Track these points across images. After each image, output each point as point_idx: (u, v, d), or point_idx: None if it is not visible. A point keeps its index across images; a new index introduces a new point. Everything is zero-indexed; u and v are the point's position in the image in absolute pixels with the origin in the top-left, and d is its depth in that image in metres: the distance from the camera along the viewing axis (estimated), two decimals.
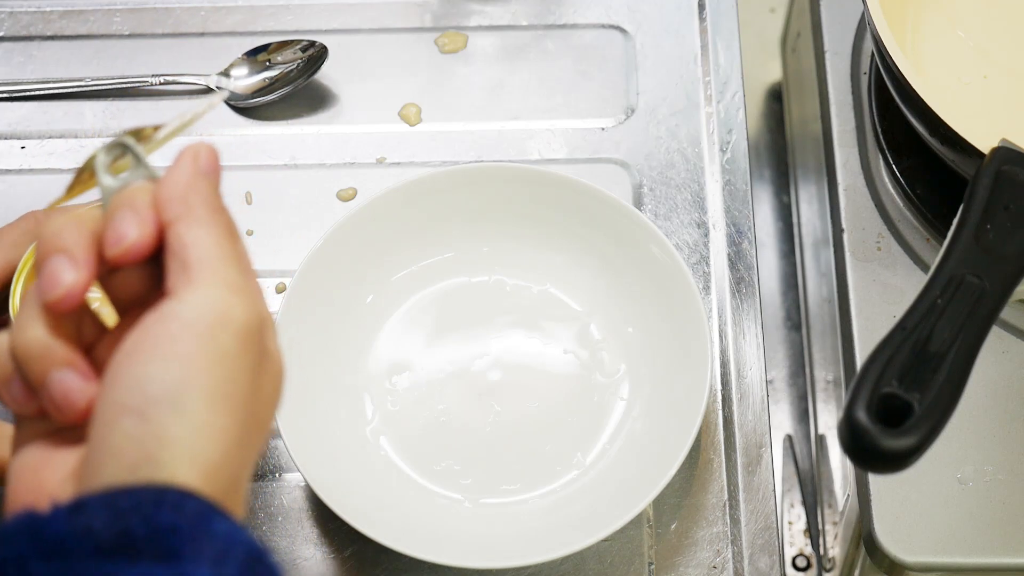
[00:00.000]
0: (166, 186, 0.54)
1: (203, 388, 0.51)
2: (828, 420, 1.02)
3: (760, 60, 1.24)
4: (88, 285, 0.53)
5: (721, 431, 0.85)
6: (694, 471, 0.84)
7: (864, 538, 0.80)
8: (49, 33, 1.00)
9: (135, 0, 1.01)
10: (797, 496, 1.09)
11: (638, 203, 0.93)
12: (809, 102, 1.01)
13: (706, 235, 0.92)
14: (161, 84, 0.97)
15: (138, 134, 0.57)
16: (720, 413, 0.85)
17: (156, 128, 0.58)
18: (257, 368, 0.53)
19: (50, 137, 0.96)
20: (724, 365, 0.87)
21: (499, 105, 0.97)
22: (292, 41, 0.97)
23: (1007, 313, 0.84)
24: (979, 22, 0.88)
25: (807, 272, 1.07)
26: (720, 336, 0.88)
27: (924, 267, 0.86)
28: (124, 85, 0.97)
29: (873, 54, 0.89)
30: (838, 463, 0.98)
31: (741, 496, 0.83)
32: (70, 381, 0.52)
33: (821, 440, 1.03)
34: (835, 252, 0.88)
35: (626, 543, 0.82)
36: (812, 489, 1.08)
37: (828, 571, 1.00)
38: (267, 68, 0.97)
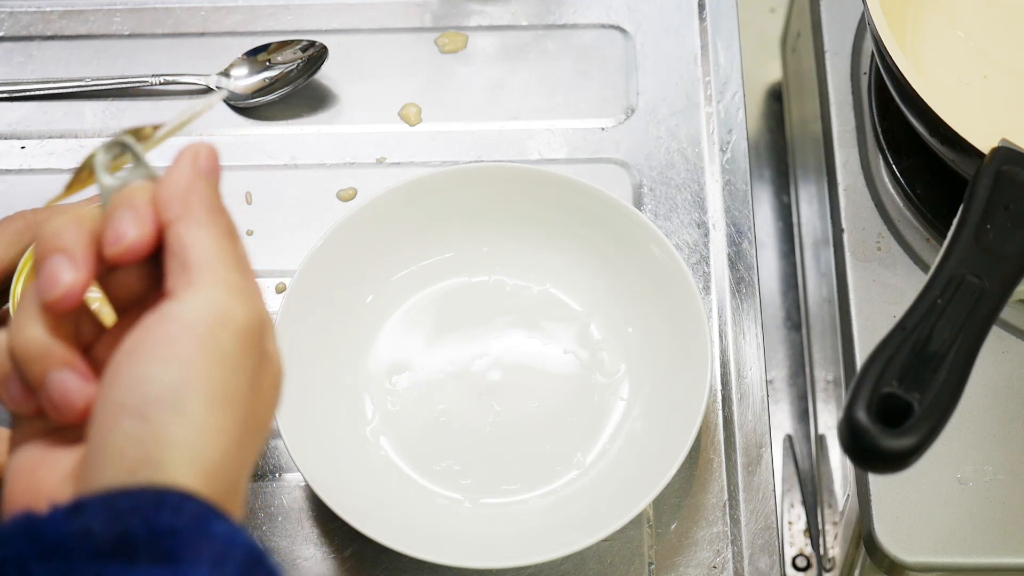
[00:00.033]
0: (166, 186, 0.54)
1: (203, 389, 0.50)
2: (828, 420, 1.02)
3: (760, 60, 1.24)
4: (87, 285, 0.53)
5: (721, 431, 0.85)
6: (694, 471, 0.84)
7: (864, 538, 0.80)
8: (49, 33, 1.00)
9: (135, 0, 1.01)
10: (797, 496, 1.08)
11: (638, 203, 0.93)
12: (809, 102, 1.01)
13: (706, 235, 0.91)
14: (161, 84, 0.97)
15: (137, 133, 0.57)
16: (720, 413, 0.85)
17: (155, 127, 0.58)
18: (257, 369, 0.53)
19: (50, 137, 0.96)
20: (724, 365, 0.87)
21: (499, 105, 0.97)
22: (292, 41, 0.97)
23: (1007, 313, 0.84)
24: (979, 22, 0.88)
25: (807, 272, 1.07)
26: (720, 336, 0.88)
27: (924, 267, 0.86)
28: (124, 85, 0.97)
29: (873, 54, 0.89)
30: (838, 463, 0.98)
31: (741, 496, 0.83)
32: (69, 381, 0.52)
33: (821, 440, 1.03)
34: (835, 252, 0.88)
35: (626, 543, 0.82)
36: (812, 489, 1.08)
37: (828, 571, 1.00)
38: (267, 68, 0.97)
